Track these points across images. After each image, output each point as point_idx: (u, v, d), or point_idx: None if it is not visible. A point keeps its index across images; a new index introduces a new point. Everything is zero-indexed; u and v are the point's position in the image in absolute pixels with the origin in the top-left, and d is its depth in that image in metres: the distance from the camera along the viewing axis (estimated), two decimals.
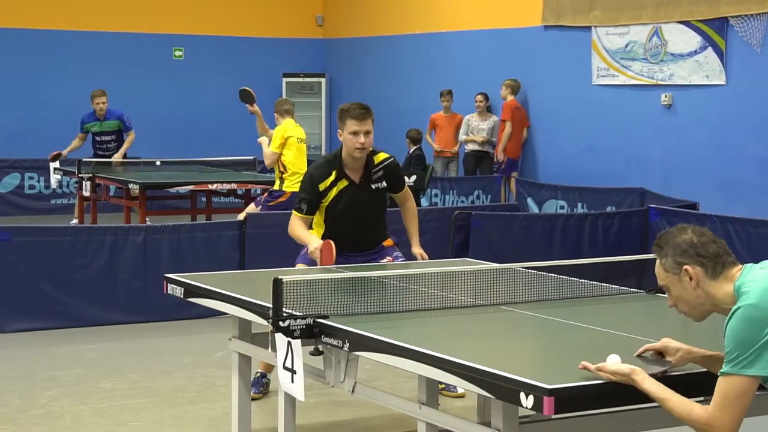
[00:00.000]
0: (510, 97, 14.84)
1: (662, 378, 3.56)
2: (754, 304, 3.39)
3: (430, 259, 6.59)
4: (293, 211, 6.34)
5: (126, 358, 7.71)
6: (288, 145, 10.74)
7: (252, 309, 4.89)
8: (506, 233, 10.12)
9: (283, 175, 10.76)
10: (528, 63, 15.03)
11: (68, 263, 8.71)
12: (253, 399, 6.08)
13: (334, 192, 6.27)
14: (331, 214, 6.32)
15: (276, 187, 10.86)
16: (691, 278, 3.56)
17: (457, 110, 15.60)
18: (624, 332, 4.33)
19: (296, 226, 6.28)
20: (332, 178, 6.26)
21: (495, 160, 14.90)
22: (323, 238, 6.29)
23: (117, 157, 13.77)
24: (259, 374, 6.56)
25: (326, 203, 6.29)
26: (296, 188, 10.83)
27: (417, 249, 6.54)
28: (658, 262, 3.65)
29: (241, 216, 10.57)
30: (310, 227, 6.38)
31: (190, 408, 6.48)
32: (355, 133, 6.17)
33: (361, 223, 6.34)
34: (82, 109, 14.06)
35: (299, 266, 6.31)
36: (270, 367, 6.51)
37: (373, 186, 6.35)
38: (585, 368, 3.53)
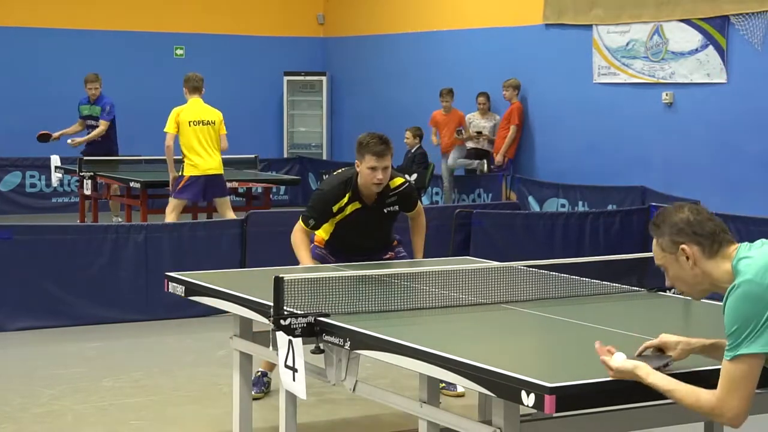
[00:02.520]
0: (515, 99, 14.77)
1: (668, 373, 3.55)
2: (751, 279, 3.36)
3: (431, 257, 6.59)
4: (300, 220, 6.31)
5: (127, 357, 7.72)
6: (181, 127, 10.98)
7: (253, 307, 4.90)
8: (507, 232, 10.12)
9: (183, 159, 11.03)
10: (529, 61, 15.01)
11: (69, 262, 8.71)
12: (254, 399, 6.07)
13: (347, 211, 6.28)
14: (340, 226, 6.35)
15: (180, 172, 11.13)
16: (688, 258, 3.54)
17: (458, 108, 15.53)
18: (625, 330, 4.33)
19: (299, 239, 6.28)
20: (346, 200, 6.26)
21: (495, 162, 14.79)
22: (328, 242, 6.39)
23: (79, 140, 13.61)
24: (259, 373, 6.55)
25: (337, 219, 6.32)
26: (192, 172, 11.01)
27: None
28: (655, 241, 3.63)
29: (168, 213, 10.84)
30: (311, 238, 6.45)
31: (192, 407, 6.48)
32: (374, 169, 6.14)
33: (368, 236, 6.39)
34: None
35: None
36: (271, 366, 6.51)
37: (385, 210, 6.37)
38: (599, 352, 3.53)
